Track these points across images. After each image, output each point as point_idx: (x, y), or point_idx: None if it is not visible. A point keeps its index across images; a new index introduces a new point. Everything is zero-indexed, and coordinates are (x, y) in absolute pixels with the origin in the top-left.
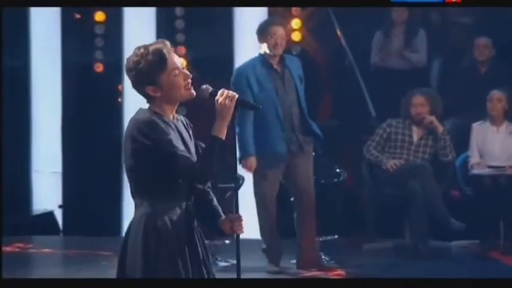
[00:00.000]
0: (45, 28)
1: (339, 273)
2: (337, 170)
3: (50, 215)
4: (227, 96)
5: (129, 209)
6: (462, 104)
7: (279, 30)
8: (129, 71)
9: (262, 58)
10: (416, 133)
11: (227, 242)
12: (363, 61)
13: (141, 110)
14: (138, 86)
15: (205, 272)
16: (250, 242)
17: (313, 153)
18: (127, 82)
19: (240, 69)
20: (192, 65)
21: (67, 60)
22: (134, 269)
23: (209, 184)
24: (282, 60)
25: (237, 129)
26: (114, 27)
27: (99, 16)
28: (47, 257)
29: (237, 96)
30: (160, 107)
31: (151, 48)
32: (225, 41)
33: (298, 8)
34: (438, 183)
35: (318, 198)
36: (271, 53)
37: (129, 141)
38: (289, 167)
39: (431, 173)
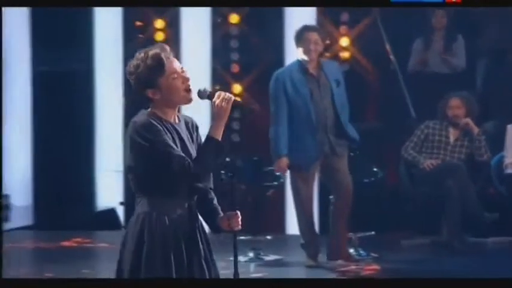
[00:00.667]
0: (108, 33)
1: (373, 267)
2: (374, 169)
3: (112, 211)
4: (223, 99)
5: None
6: (499, 105)
7: (314, 36)
8: (129, 74)
9: (299, 63)
10: (452, 134)
11: (269, 237)
12: (405, 66)
13: (141, 112)
14: (138, 89)
15: (206, 270)
16: (294, 237)
17: (351, 154)
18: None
19: (277, 74)
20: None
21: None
22: (128, 266)
23: (210, 184)
24: (318, 64)
25: (270, 131)
26: (173, 35)
27: (159, 23)
28: (104, 251)
29: (233, 98)
30: (161, 109)
31: (150, 53)
32: (277, 46)
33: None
34: (473, 182)
35: (356, 196)
36: (307, 58)
37: (128, 141)
38: (325, 168)
39: (465, 172)
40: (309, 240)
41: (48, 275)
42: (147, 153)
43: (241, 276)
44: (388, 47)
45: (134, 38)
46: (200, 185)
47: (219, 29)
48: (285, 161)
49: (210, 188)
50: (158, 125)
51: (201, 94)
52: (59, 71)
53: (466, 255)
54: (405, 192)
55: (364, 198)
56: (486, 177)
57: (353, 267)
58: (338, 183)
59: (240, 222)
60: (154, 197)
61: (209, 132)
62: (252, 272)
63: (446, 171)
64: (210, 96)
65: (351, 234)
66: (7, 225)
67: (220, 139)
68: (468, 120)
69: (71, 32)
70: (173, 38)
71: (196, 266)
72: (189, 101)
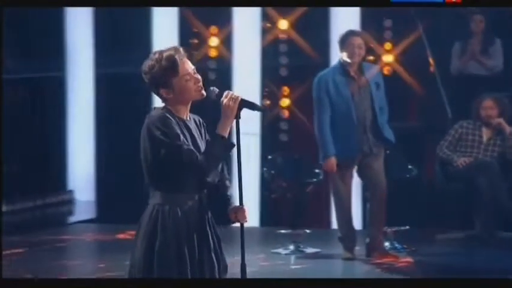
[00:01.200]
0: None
1: (407, 260)
2: (409, 167)
3: None
4: (231, 98)
5: (246, 197)
6: None
7: (357, 40)
8: (144, 73)
9: (341, 66)
10: (485, 134)
11: (308, 231)
12: (444, 68)
13: (156, 108)
14: (152, 88)
15: (215, 261)
16: (332, 231)
17: (387, 152)
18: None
19: (320, 76)
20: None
21: None
22: (142, 256)
23: (219, 178)
24: (360, 67)
25: (316, 132)
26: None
27: (213, 30)
28: None
29: (240, 97)
30: (173, 107)
31: (164, 54)
32: (322, 49)
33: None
34: (505, 179)
35: (392, 192)
36: (350, 61)
37: (142, 135)
38: (362, 166)
39: (497, 169)
40: (346, 233)
41: (101, 265)
42: (160, 145)
43: (282, 267)
44: (428, 50)
45: (189, 41)
46: (209, 179)
47: (268, 34)
48: (333, 160)
49: (219, 181)
50: (172, 120)
51: (211, 93)
52: (120, 72)
53: (497, 248)
54: (440, 189)
55: (400, 194)
56: None
57: (388, 259)
58: (374, 181)
59: (246, 216)
60: (167, 189)
61: (217, 129)
62: (293, 264)
63: (479, 168)
64: (218, 96)
65: (386, 229)
66: (71, 219)
67: (226, 136)
68: (501, 120)
69: (130, 34)
70: (225, 41)
71: (206, 255)
72: (201, 97)
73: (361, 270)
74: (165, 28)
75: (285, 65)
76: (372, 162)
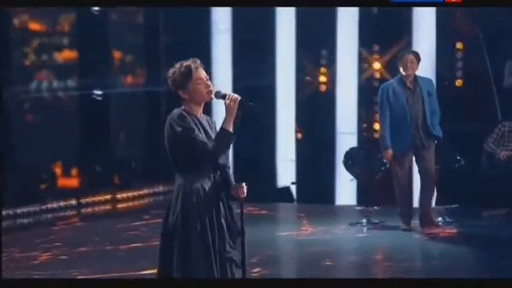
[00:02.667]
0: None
1: (453, 231)
2: (458, 157)
3: (287, 188)
4: (232, 99)
5: (340, 181)
6: None
7: (409, 57)
8: (168, 77)
9: (400, 78)
10: None
11: (376, 208)
12: (498, 76)
13: (175, 109)
14: (173, 89)
15: (225, 226)
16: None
17: (439, 146)
18: None
19: (383, 86)
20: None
21: None
22: (172, 222)
23: (227, 162)
24: (415, 79)
25: (379, 129)
26: None
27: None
28: (264, 217)
29: (239, 98)
30: (189, 106)
31: (184, 64)
32: None
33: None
34: None
35: (443, 178)
36: (404, 74)
37: (166, 130)
38: (417, 156)
39: None
40: (404, 210)
41: None
42: (180, 137)
43: (357, 234)
44: (487, 58)
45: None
46: (220, 161)
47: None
48: (390, 151)
49: (228, 167)
50: (188, 117)
51: (217, 95)
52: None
53: None
54: (485, 175)
55: (452, 178)
56: None
57: (437, 230)
58: (425, 169)
59: (245, 192)
60: (187, 172)
61: (222, 124)
62: (365, 232)
63: None
64: (223, 97)
65: (439, 206)
66: None
67: (231, 130)
68: None
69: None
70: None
71: (217, 221)
72: (210, 98)
73: (415, 238)
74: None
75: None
76: (424, 153)
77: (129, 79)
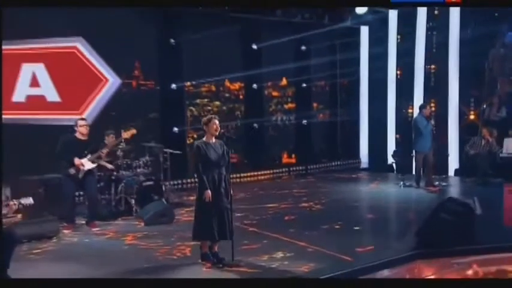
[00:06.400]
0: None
1: (440, 189)
2: (448, 153)
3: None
4: (215, 129)
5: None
6: None
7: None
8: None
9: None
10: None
11: (403, 176)
12: None
13: (199, 140)
14: (203, 127)
15: (225, 213)
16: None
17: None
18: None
19: (414, 118)
20: None
21: None
22: (199, 204)
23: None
24: (430, 114)
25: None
26: None
27: None
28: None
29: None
30: (207, 137)
31: (208, 117)
32: None
33: None
34: None
35: (439, 161)
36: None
37: (192, 149)
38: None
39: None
40: (417, 178)
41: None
42: (196, 155)
43: (395, 189)
44: None
45: None
46: (221, 163)
47: None
48: (421, 155)
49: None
50: (201, 147)
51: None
52: None
53: None
54: (463, 161)
55: (444, 161)
56: None
57: (432, 188)
58: (427, 158)
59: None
60: (203, 172)
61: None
62: (402, 189)
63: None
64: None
65: (435, 176)
66: None
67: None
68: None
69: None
70: None
71: (219, 188)
72: (217, 136)
73: (420, 192)
74: None
75: None
76: (430, 153)
77: None
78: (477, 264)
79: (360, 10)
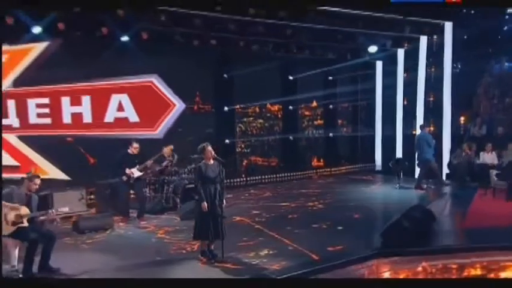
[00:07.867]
0: None
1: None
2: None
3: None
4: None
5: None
6: None
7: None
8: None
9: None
10: None
11: (400, 178)
12: None
13: (201, 161)
14: (198, 153)
15: (218, 218)
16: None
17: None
18: None
19: (417, 135)
20: None
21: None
22: (198, 210)
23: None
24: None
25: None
26: None
27: None
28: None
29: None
30: (205, 159)
31: (203, 145)
32: None
33: None
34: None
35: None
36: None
37: (195, 170)
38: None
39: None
40: (418, 183)
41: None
42: (197, 174)
43: (393, 189)
44: None
45: None
46: (216, 180)
47: None
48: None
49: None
50: (202, 167)
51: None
52: None
53: None
54: (450, 169)
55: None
56: None
57: (421, 190)
58: (432, 165)
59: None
60: (202, 185)
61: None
62: (398, 189)
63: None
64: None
65: (425, 180)
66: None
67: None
68: None
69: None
70: None
71: (214, 196)
72: (213, 159)
73: (417, 193)
74: None
75: None
76: (434, 163)
77: None
78: (425, 260)
79: (372, 49)
